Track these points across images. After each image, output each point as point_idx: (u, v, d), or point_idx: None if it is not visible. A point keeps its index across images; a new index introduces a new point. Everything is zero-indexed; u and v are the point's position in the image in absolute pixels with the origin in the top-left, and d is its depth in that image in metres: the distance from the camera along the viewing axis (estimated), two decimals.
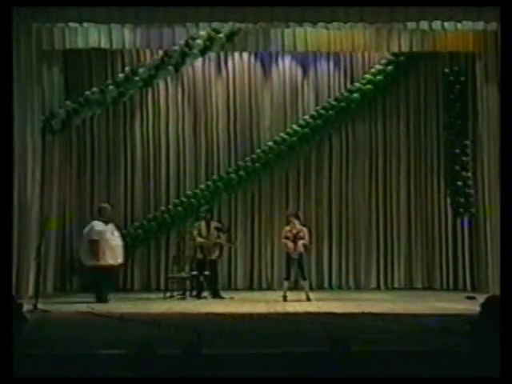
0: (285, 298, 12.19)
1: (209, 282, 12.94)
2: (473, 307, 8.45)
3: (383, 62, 14.61)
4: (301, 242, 12.31)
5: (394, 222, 14.78)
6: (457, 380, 5.54)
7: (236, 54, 14.69)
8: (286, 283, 12.44)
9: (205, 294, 12.85)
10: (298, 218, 12.63)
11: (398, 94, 14.89)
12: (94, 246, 12.04)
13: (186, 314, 10.36)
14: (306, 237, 12.44)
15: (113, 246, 12.16)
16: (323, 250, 14.64)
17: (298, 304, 11.61)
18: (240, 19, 12.35)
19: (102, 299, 11.84)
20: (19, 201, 12.18)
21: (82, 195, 14.47)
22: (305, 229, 12.51)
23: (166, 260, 14.20)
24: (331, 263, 14.68)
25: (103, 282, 12.14)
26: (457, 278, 14.53)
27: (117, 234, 12.38)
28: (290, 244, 12.26)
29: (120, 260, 12.34)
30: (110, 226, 12.32)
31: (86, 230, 12.36)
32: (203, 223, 13.07)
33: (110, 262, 12.12)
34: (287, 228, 12.44)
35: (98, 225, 12.24)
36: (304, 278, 12.47)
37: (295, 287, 13.77)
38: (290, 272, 12.43)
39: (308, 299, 12.14)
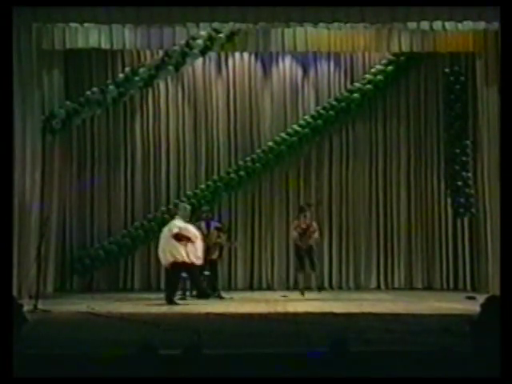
0: (302, 293, 12.24)
1: (209, 282, 12.94)
2: (473, 307, 8.46)
3: (383, 62, 14.61)
4: (314, 236, 12.44)
5: (394, 221, 14.78)
6: (457, 380, 5.55)
7: (236, 54, 14.69)
8: (300, 276, 12.53)
9: None
10: (310, 209, 12.82)
11: (398, 94, 14.89)
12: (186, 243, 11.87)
13: (186, 313, 10.36)
14: (317, 231, 12.59)
15: (193, 246, 11.89)
16: (323, 250, 14.63)
17: (298, 304, 11.61)
18: (240, 19, 12.34)
19: (170, 298, 11.82)
20: (19, 201, 12.18)
21: (81, 195, 14.47)
22: (314, 223, 12.65)
23: None
24: (331, 263, 14.68)
25: (184, 279, 12.12)
26: (457, 278, 14.53)
27: (198, 233, 12.11)
28: (296, 236, 12.39)
29: (200, 261, 12.07)
30: (191, 225, 12.12)
31: (166, 228, 12.17)
32: (203, 223, 13.07)
33: (193, 260, 11.91)
34: (297, 222, 12.57)
35: (179, 222, 12.05)
36: (313, 270, 12.59)
37: (295, 287, 13.82)
38: (303, 263, 12.51)
39: (319, 290, 12.28)
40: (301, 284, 12.44)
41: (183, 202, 13.52)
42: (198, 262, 11.98)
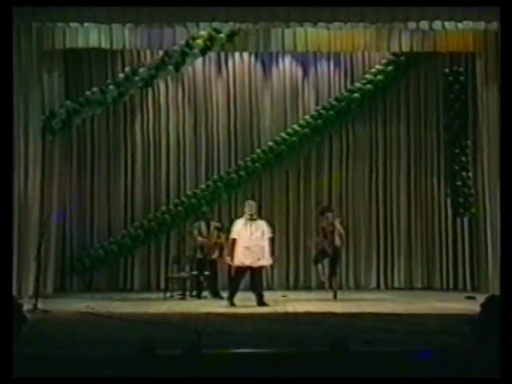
0: (335, 296, 12.15)
1: (209, 282, 12.95)
2: (473, 307, 8.46)
3: (383, 61, 14.62)
4: (335, 241, 12.42)
5: (394, 221, 14.78)
6: (457, 380, 5.55)
7: (236, 54, 14.70)
8: (333, 279, 12.53)
9: (205, 293, 12.87)
10: (331, 211, 12.82)
11: (398, 94, 14.90)
12: (231, 244, 11.46)
13: (185, 314, 10.36)
14: (338, 235, 12.53)
15: (250, 247, 11.29)
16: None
17: (298, 304, 11.61)
18: (240, 19, 12.34)
19: (229, 298, 11.47)
20: (19, 201, 12.18)
21: (81, 195, 14.47)
22: (337, 223, 12.58)
23: (166, 260, 14.21)
24: None
25: (235, 282, 11.65)
26: (457, 278, 14.53)
27: (259, 234, 11.32)
28: (320, 240, 12.47)
29: (263, 262, 11.42)
30: (254, 225, 11.41)
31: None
32: (203, 223, 13.07)
33: (246, 263, 11.33)
34: (322, 224, 12.54)
35: (238, 223, 11.56)
36: (335, 274, 12.51)
37: (296, 287, 13.83)
38: (335, 268, 12.51)
39: (335, 297, 12.18)
40: (334, 291, 12.24)
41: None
42: (259, 263, 11.40)
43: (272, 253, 11.52)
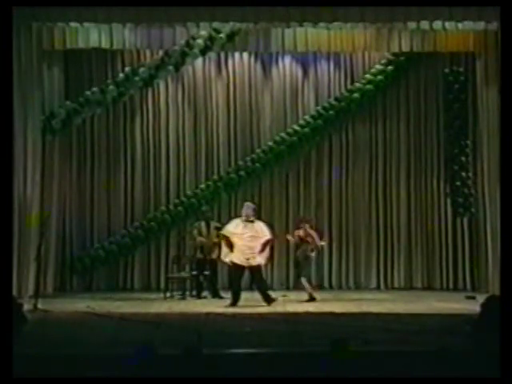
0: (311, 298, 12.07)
1: (209, 282, 12.95)
2: (473, 307, 8.47)
3: (383, 61, 14.61)
4: (308, 248, 12.41)
5: (393, 222, 14.77)
6: (457, 380, 5.55)
7: (236, 54, 14.68)
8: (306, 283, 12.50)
9: (205, 293, 12.87)
10: (308, 222, 12.77)
11: (398, 94, 14.88)
12: (225, 242, 11.68)
13: (185, 314, 10.36)
14: (315, 240, 12.48)
15: (238, 247, 11.47)
16: (323, 250, 14.61)
17: (298, 304, 11.62)
18: (240, 19, 12.36)
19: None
20: (19, 201, 12.18)
21: (81, 195, 14.47)
22: (313, 232, 12.54)
23: (166, 260, 14.20)
24: (331, 263, 14.68)
25: (233, 282, 11.85)
26: (457, 278, 14.52)
27: (251, 234, 11.52)
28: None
29: (253, 262, 11.48)
30: (248, 226, 11.58)
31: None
32: (203, 223, 13.08)
33: (235, 261, 11.53)
34: (297, 232, 12.53)
35: (232, 222, 11.82)
36: (299, 277, 12.50)
37: (296, 287, 13.81)
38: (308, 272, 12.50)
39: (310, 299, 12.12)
40: (308, 292, 12.24)
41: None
42: (248, 263, 11.58)
43: (259, 251, 11.54)
